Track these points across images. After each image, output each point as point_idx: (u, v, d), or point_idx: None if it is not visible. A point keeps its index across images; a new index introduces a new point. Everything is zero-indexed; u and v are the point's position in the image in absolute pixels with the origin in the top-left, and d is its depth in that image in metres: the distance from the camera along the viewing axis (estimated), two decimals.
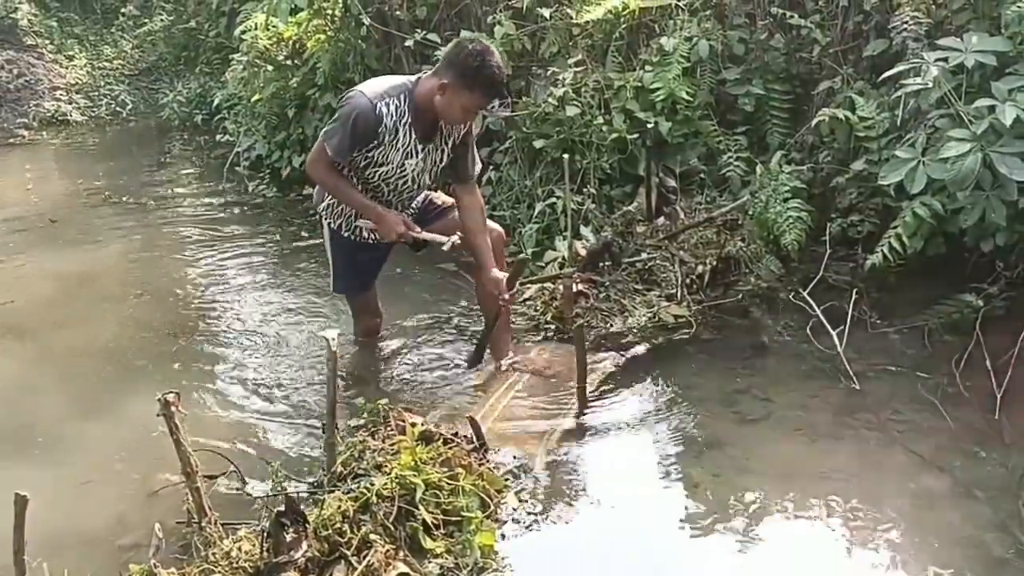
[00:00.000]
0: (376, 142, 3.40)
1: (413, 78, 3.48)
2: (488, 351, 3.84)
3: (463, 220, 3.62)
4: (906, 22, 4.13)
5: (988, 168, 3.60)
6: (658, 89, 4.89)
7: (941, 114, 3.87)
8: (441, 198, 3.79)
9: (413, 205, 3.73)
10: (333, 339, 2.69)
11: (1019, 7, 3.70)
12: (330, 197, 3.67)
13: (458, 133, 3.56)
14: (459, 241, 3.57)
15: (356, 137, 3.36)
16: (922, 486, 2.93)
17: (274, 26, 6.67)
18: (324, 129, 3.52)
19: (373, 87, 3.43)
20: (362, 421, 3.31)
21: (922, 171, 3.78)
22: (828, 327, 3.72)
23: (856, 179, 4.40)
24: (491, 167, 5.24)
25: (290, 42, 6.64)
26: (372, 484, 2.64)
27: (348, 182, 3.52)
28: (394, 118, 3.38)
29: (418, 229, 3.55)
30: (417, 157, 3.49)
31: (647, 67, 5.03)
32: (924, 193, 3.82)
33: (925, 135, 3.89)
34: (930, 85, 3.83)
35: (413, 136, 3.43)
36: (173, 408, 2.50)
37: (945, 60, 3.80)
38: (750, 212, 4.46)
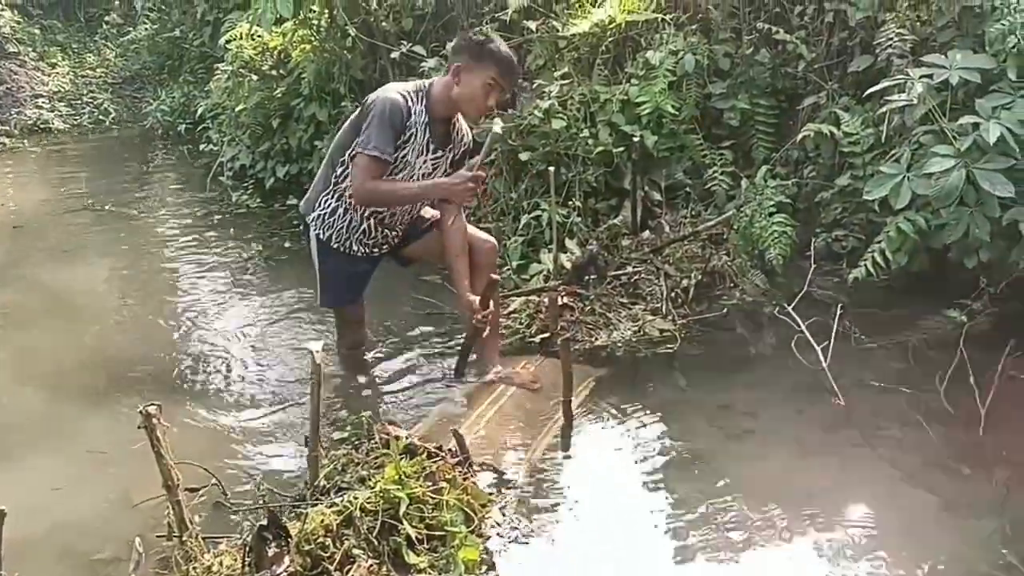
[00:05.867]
0: (403, 138, 3.44)
1: (427, 82, 3.56)
2: (474, 362, 3.81)
3: (444, 240, 3.64)
4: (891, 39, 4.18)
5: (972, 184, 3.62)
6: (644, 103, 4.91)
7: (926, 130, 3.89)
8: (429, 212, 3.78)
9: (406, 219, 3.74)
10: (318, 351, 2.67)
11: (1002, 25, 3.73)
12: (321, 207, 3.65)
13: (459, 150, 3.65)
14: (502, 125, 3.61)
15: (395, 127, 3.39)
16: (906, 502, 2.92)
17: (259, 36, 6.66)
18: (357, 142, 3.43)
19: (396, 86, 3.53)
20: (346, 434, 3.29)
21: (907, 187, 3.81)
22: (813, 342, 3.72)
23: (841, 194, 4.43)
24: None
25: (275, 52, 6.64)
26: (355, 498, 2.61)
27: (396, 180, 3.51)
28: (414, 116, 3.45)
29: (481, 174, 3.52)
30: (427, 155, 3.53)
31: (633, 81, 5.05)
32: (908, 208, 3.85)
33: (910, 151, 3.92)
34: (915, 101, 3.86)
35: (427, 136, 3.50)
36: (155, 420, 2.47)
37: (930, 77, 3.83)
38: (735, 226, 4.47)
